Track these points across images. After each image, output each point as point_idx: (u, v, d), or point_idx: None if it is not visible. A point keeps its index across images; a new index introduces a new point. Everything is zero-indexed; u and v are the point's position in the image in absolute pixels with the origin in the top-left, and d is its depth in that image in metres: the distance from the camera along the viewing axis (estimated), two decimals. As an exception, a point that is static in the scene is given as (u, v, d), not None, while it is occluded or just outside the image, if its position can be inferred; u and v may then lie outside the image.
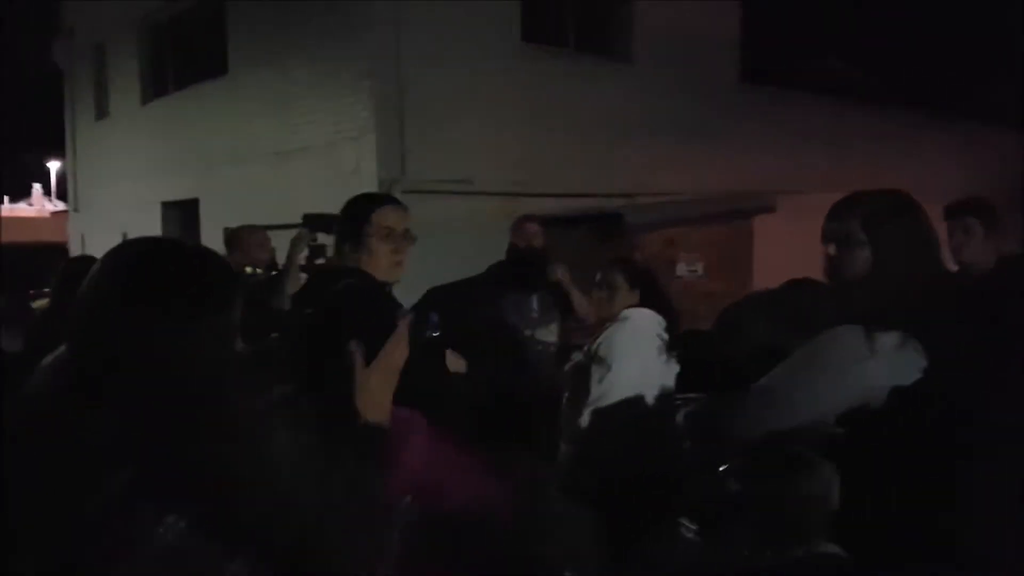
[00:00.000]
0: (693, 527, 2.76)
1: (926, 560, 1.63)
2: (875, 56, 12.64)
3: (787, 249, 5.78)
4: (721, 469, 2.33)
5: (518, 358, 4.17)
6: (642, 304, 3.34)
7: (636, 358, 3.20)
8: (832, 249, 1.91)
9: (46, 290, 12.22)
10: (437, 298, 4.25)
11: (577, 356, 3.48)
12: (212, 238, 9.47)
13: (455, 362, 2.47)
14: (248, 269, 4.61)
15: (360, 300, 2.16)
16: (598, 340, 3.29)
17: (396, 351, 1.44)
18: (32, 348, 2.32)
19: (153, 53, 12.76)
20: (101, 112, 14.28)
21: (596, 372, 3.22)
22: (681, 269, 7.24)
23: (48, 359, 1.25)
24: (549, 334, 4.20)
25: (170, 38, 12.43)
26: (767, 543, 1.78)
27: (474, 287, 4.35)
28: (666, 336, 3.27)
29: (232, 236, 4.86)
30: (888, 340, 1.71)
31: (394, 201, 2.46)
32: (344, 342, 1.45)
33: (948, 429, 1.67)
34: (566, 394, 3.44)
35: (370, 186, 8.24)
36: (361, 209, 2.40)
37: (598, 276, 3.47)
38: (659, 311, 3.34)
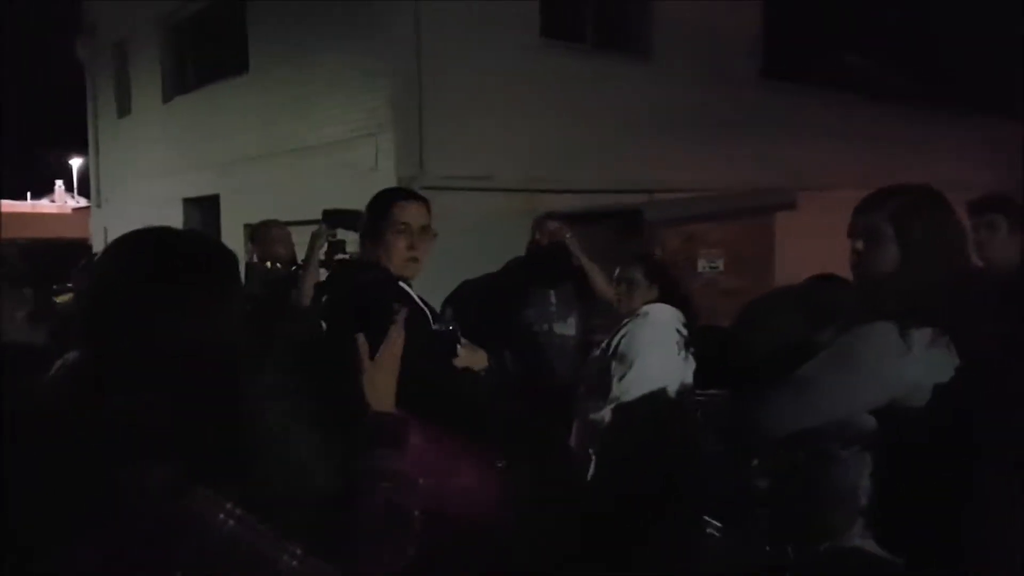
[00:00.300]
0: (716, 523, 2.76)
1: (958, 558, 1.61)
2: (897, 52, 12.51)
3: (809, 246, 5.75)
4: (744, 466, 2.32)
5: (537, 353, 4.18)
6: (661, 300, 3.34)
7: (657, 353, 3.19)
8: (860, 244, 1.89)
9: (68, 285, 12.36)
10: (468, 291, 4.28)
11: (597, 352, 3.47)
12: (232, 234, 9.53)
13: (472, 357, 2.45)
14: (268, 264, 4.65)
15: (362, 294, 2.17)
16: (618, 335, 3.29)
17: (393, 345, 1.49)
18: (57, 343, 2.35)
19: (175, 51, 12.85)
20: (123, 109, 14.40)
21: (617, 368, 3.21)
22: (701, 265, 7.22)
23: (70, 355, 1.26)
24: (568, 328, 4.19)
25: (191, 36, 12.51)
26: (791, 539, 1.77)
27: (499, 280, 4.36)
28: (685, 332, 3.27)
29: (254, 231, 4.92)
30: (922, 337, 1.69)
31: (414, 197, 2.47)
32: (349, 335, 1.48)
33: (980, 427, 1.65)
34: (580, 389, 3.44)
35: (388, 182, 8.25)
36: (380, 204, 2.43)
37: (617, 272, 3.47)
38: (678, 307, 3.34)
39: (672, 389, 3.18)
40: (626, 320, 3.33)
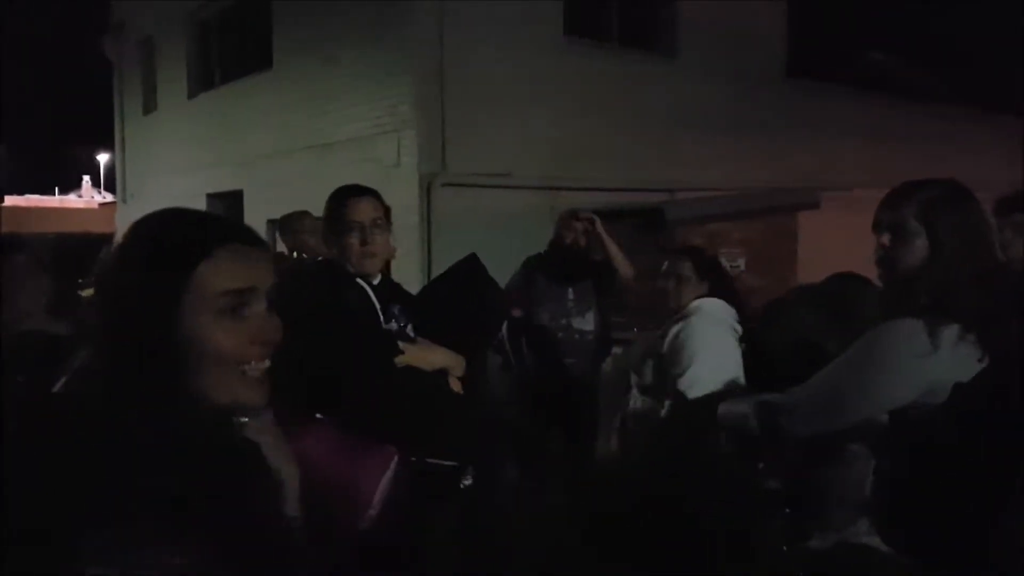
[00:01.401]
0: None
1: (976, 558, 1.59)
2: (921, 50, 12.36)
3: (832, 246, 5.69)
4: (755, 466, 2.30)
5: (555, 348, 4.17)
6: (710, 295, 3.23)
7: (717, 349, 3.08)
8: (885, 239, 1.86)
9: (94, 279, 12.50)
10: (533, 266, 4.32)
11: (618, 351, 3.41)
12: (256, 229, 9.58)
13: (427, 356, 2.38)
14: (295, 255, 4.69)
15: (289, 286, 2.15)
16: (673, 331, 3.16)
17: None
18: (80, 334, 2.38)
19: (200, 48, 12.96)
20: (149, 105, 14.54)
21: (673, 364, 3.08)
22: (725, 264, 7.17)
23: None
24: (586, 323, 4.19)
25: (217, 33, 12.61)
26: (804, 535, 1.75)
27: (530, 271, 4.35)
28: (739, 328, 3.17)
29: (285, 221, 4.96)
30: (950, 334, 1.66)
31: (364, 192, 2.46)
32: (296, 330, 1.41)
33: (1004, 425, 1.62)
34: (611, 388, 3.36)
35: (411, 179, 8.29)
36: (331, 204, 2.46)
37: (665, 266, 3.35)
38: (728, 302, 3.23)
39: (732, 386, 3.05)
40: (678, 316, 3.20)
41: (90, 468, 0.95)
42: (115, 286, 1.05)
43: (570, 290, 4.20)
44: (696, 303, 3.20)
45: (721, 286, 3.31)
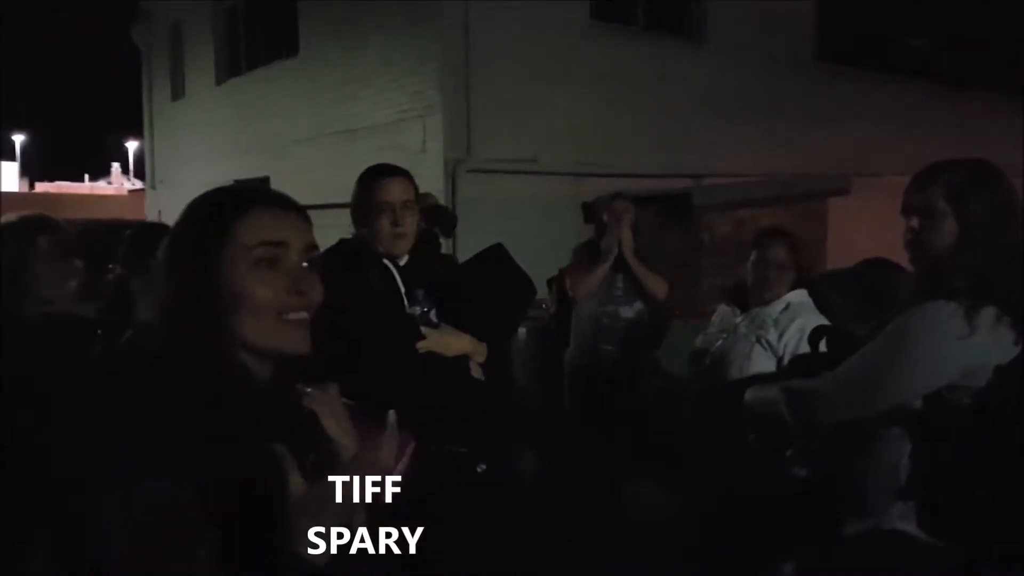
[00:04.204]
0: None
1: (1018, 541, 1.56)
2: (953, 34, 12.14)
3: (863, 232, 5.62)
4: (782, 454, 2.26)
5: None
6: (798, 284, 2.98)
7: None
8: (915, 222, 1.82)
9: (123, 265, 12.68)
10: (583, 253, 4.27)
11: (703, 341, 3.18)
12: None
13: (449, 342, 2.35)
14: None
15: (339, 269, 2.14)
16: (788, 327, 2.88)
17: None
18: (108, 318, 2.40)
19: (227, 34, 13.03)
20: (177, 92, 14.66)
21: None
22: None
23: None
24: (632, 311, 4.15)
25: (244, 19, 12.67)
26: (834, 520, 1.73)
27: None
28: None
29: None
30: (986, 317, 1.63)
31: (395, 173, 2.44)
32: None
33: None
34: (724, 377, 2.98)
35: (436, 164, 8.28)
36: (362, 184, 2.43)
37: (756, 255, 3.04)
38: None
39: None
40: (778, 308, 2.93)
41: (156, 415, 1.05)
42: (171, 250, 1.21)
43: (619, 277, 4.14)
44: (796, 296, 2.94)
45: (809, 273, 3.08)
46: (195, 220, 1.22)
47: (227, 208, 1.20)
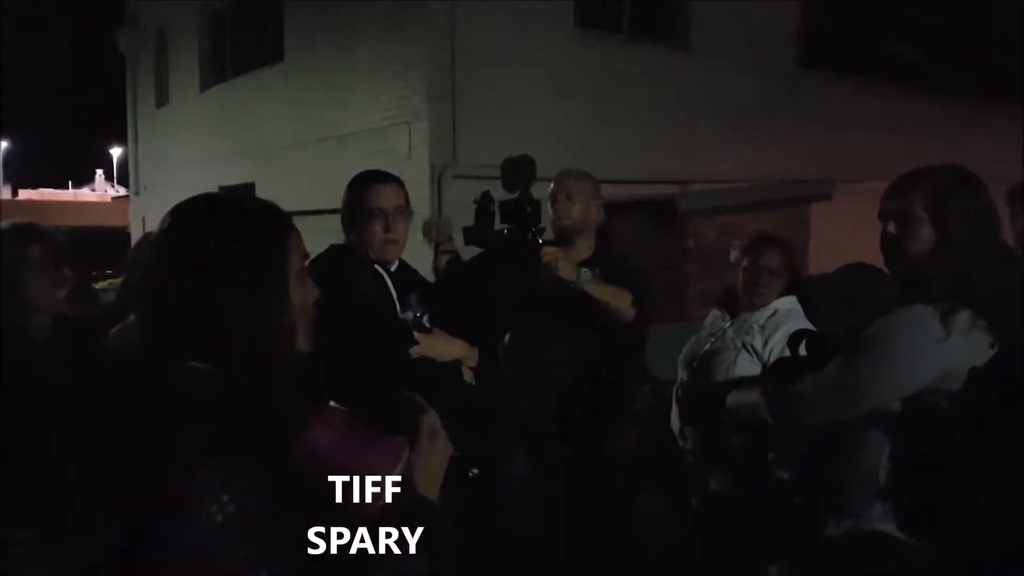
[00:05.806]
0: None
1: (996, 541, 1.59)
2: (936, 41, 12.26)
3: (844, 237, 5.67)
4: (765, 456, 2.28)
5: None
6: (789, 290, 2.97)
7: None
8: (892, 227, 1.85)
9: (108, 272, 12.61)
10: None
11: (693, 345, 3.18)
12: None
13: (441, 347, 2.37)
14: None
15: (330, 276, 2.15)
16: (772, 335, 2.84)
17: None
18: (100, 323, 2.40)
19: (212, 41, 13.00)
20: (162, 99, 14.60)
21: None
22: (734, 256, 7.16)
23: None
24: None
25: (229, 26, 12.65)
26: (815, 521, 1.75)
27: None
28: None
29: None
30: (962, 320, 1.66)
31: (387, 179, 2.45)
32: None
33: (1016, 413, 1.61)
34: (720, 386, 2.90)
35: (422, 170, 8.30)
36: (353, 190, 2.43)
37: (747, 261, 3.00)
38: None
39: None
40: (766, 314, 2.91)
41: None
42: (223, 264, 1.22)
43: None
44: (786, 302, 2.93)
45: (798, 279, 3.07)
46: (249, 237, 1.26)
47: (279, 232, 1.28)
